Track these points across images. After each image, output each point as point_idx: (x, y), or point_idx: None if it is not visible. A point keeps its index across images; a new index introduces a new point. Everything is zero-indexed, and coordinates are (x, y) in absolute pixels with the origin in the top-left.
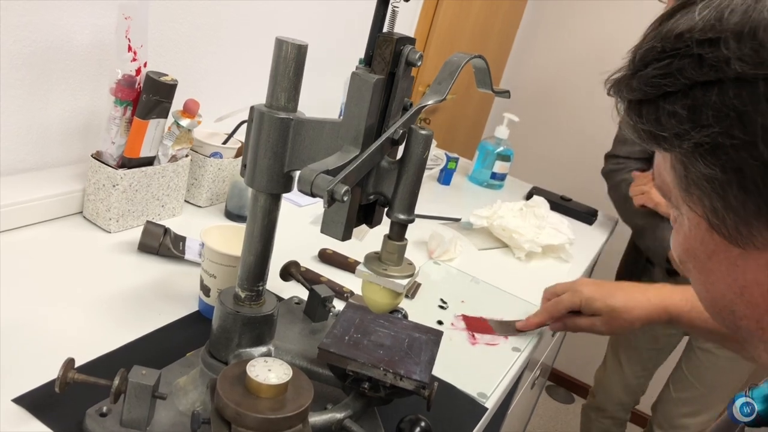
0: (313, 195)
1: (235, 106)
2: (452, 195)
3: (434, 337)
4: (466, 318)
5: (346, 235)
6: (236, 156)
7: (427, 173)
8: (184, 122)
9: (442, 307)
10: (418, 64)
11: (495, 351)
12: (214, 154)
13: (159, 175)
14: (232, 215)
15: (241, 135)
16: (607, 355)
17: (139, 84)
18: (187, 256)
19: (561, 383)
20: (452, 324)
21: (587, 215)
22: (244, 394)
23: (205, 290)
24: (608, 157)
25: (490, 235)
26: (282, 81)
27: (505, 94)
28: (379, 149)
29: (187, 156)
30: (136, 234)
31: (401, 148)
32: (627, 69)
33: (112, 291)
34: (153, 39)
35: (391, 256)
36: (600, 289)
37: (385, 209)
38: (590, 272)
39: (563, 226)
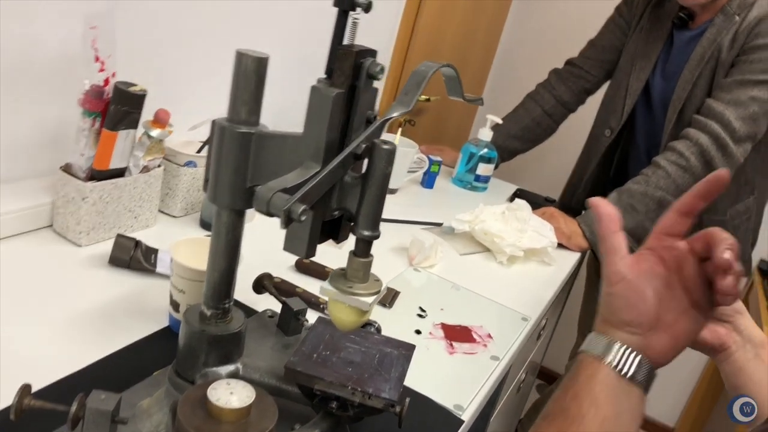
0: (270, 215)
1: (209, 113)
2: (435, 198)
3: (406, 352)
4: (444, 327)
5: (309, 252)
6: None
7: (410, 177)
8: (155, 132)
9: (420, 315)
10: (380, 77)
11: (473, 360)
12: (189, 163)
13: (130, 186)
14: (208, 225)
15: None
16: None
17: (107, 94)
18: (158, 269)
19: (551, 381)
20: (430, 333)
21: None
22: (205, 418)
23: (175, 306)
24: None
25: (472, 240)
26: (242, 94)
27: (478, 101)
28: (340, 165)
29: (159, 166)
30: (107, 247)
31: (366, 163)
32: None
33: (81, 308)
34: (122, 48)
35: (356, 273)
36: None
37: (350, 224)
38: (575, 275)
39: (545, 229)
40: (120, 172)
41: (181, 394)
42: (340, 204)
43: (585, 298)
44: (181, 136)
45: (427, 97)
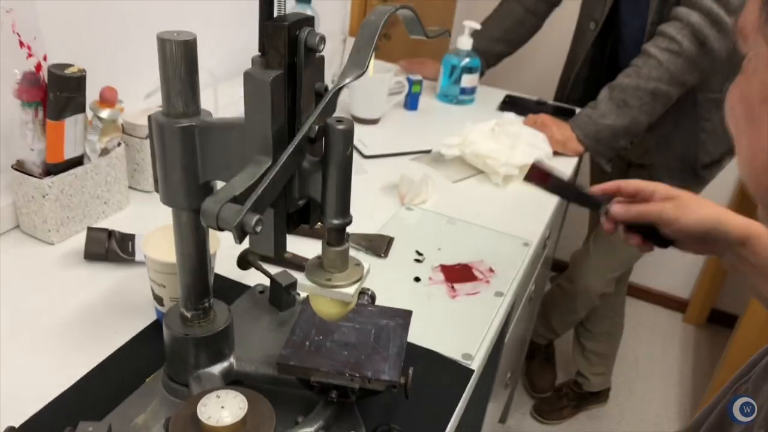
0: (221, 230)
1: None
2: (421, 121)
3: (402, 320)
4: (444, 268)
5: (279, 250)
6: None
7: (391, 103)
8: (105, 113)
9: (418, 260)
10: (320, 48)
11: (477, 301)
12: None
13: (92, 173)
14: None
15: None
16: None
17: (43, 81)
18: (138, 258)
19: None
20: (430, 278)
21: (564, 116)
22: None
23: (159, 300)
24: None
25: (464, 164)
26: (174, 85)
27: (445, 33)
28: (294, 154)
29: (119, 145)
30: (82, 240)
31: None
32: None
33: (62, 313)
34: (47, 28)
35: (333, 263)
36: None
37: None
38: (574, 178)
39: (538, 140)
40: (78, 161)
41: (177, 399)
42: (303, 193)
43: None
44: (136, 104)
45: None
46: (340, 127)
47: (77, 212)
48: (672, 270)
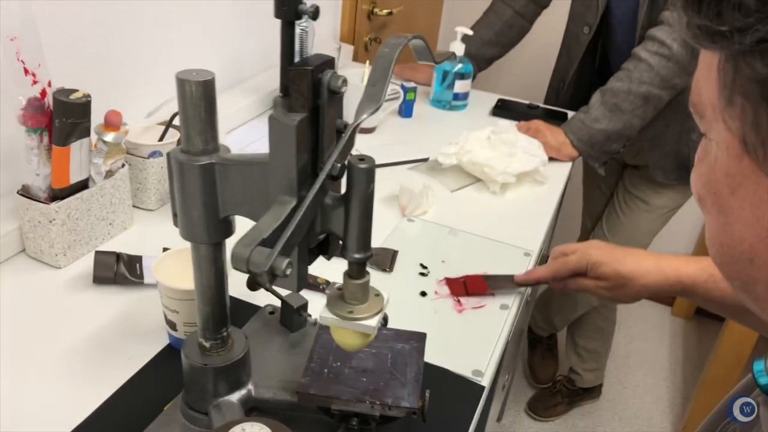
0: (250, 272)
1: (163, 94)
2: (416, 128)
3: (417, 344)
4: (449, 282)
5: (301, 285)
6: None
7: (387, 109)
8: (109, 137)
9: (423, 273)
10: (343, 90)
11: (483, 315)
12: (153, 154)
13: (97, 195)
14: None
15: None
16: None
17: (48, 107)
18: (146, 280)
19: None
20: (436, 293)
21: (556, 120)
22: None
23: (171, 325)
24: None
25: (462, 172)
26: (194, 124)
27: (451, 55)
28: (318, 193)
29: (123, 166)
30: (89, 263)
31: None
32: None
33: (72, 341)
34: (50, 54)
35: (354, 295)
36: (610, 254)
37: (339, 241)
38: (565, 185)
39: (534, 147)
40: (83, 184)
41: (197, 428)
42: (324, 228)
43: (585, 192)
44: (137, 122)
45: (390, 11)
46: (362, 166)
47: (83, 235)
48: None
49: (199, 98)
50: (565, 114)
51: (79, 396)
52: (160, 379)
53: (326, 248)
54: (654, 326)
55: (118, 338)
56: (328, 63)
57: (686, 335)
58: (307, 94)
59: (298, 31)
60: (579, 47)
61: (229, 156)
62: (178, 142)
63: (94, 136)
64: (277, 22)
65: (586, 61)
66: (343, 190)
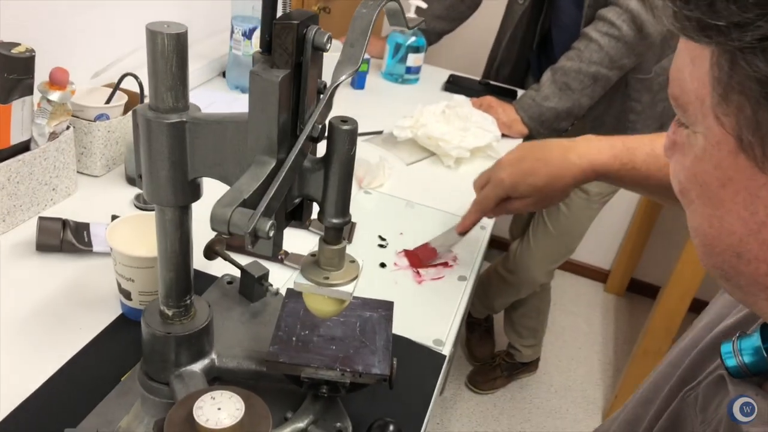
0: (231, 234)
1: (112, 55)
2: (369, 100)
3: (385, 312)
4: (407, 253)
5: (276, 250)
6: (125, 112)
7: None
8: (55, 96)
9: (381, 245)
10: (328, 47)
11: (442, 286)
12: (100, 116)
13: (40, 158)
14: (134, 180)
15: (127, 85)
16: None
17: None
18: (95, 248)
19: (498, 246)
20: (395, 264)
21: (507, 97)
22: None
23: (126, 294)
24: None
25: (417, 146)
26: (165, 79)
27: (422, 23)
28: (298, 155)
29: (68, 128)
30: (30, 230)
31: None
32: None
33: (16, 312)
34: None
35: (331, 261)
36: (520, 171)
37: (314, 204)
38: None
39: (488, 122)
40: (25, 146)
41: (157, 398)
42: (302, 191)
43: None
44: (83, 83)
45: None
46: (345, 127)
47: (24, 200)
48: (594, 243)
49: (171, 52)
50: (515, 92)
51: (27, 368)
52: (115, 350)
53: (300, 214)
54: (588, 302)
55: (67, 308)
56: (312, 18)
57: (618, 311)
58: (291, 49)
59: None
60: (512, 19)
61: (200, 114)
62: (126, 106)
63: (37, 95)
64: None
65: (526, 37)
66: (320, 153)
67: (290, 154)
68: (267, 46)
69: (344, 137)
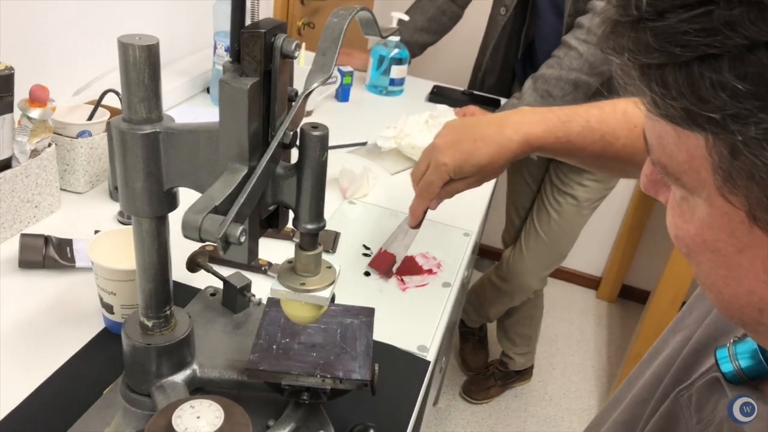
0: (202, 241)
1: (92, 72)
2: (354, 112)
3: (366, 318)
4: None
5: (252, 257)
6: (107, 129)
7: (324, 93)
8: (35, 113)
9: (366, 254)
10: (296, 55)
11: (427, 292)
12: (82, 133)
13: (22, 176)
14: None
15: (109, 102)
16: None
17: None
18: (78, 264)
19: (488, 256)
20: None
21: (490, 107)
22: None
23: (108, 308)
24: None
25: (401, 156)
26: (137, 90)
27: (396, 32)
28: (269, 161)
29: (50, 145)
30: (12, 248)
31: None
32: (623, 11)
33: (1, 328)
34: None
35: (307, 267)
36: (461, 150)
37: (290, 211)
38: None
39: None
40: (6, 164)
41: (138, 410)
42: (276, 198)
43: (510, 187)
44: (64, 101)
45: None
46: (316, 133)
47: (6, 218)
48: (585, 250)
49: (143, 63)
50: (499, 101)
51: (10, 382)
52: (97, 364)
53: (275, 221)
54: (580, 309)
55: (50, 324)
56: (280, 27)
57: (610, 317)
58: (259, 57)
59: None
60: (495, 30)
61: (173, 125)
62: (107, 123)
63: (17, 113)
64: (206, 6)
65: (509, 47)
66: (293, 160)
67: (261, 160)
68: (236, 55)
69: (315, 143)
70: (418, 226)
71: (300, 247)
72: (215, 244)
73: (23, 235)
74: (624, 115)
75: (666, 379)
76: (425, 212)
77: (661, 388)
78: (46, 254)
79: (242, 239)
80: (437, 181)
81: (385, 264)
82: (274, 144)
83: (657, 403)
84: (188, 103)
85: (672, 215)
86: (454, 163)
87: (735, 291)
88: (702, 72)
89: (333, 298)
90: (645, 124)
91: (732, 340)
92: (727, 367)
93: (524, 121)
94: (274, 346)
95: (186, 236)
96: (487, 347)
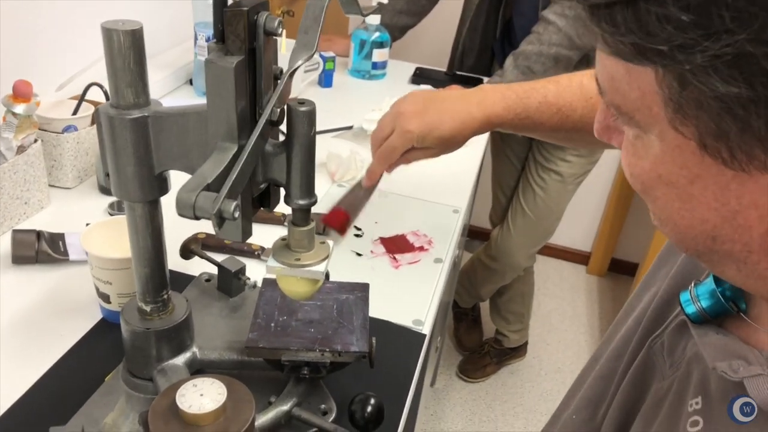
0: (197, 218)
1: (75, 66)
2: (338, 97)
3: (361, 293)
4: (384, 241)
5: (246, 235)
6: (93, 123)
7: (307, 80)
8: (19, 108)
9: (357, 235)
10: (279, 32)
11: (419, 269)
12: (68, 128)
13: (9, 172)
14: (108, 189)
15: (93, 96)
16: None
17: None
18: (72, 257)
19: (477, 236)
20: (372, 252)
21: (473, 85)
22: (182, 427)
23: (105, 297)
24: None
25: None
26: (124, 76)
27: (376, 10)
28: (258, 139)
29: (36, 141)
30: (5, 244)
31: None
32: None
33: None
34: None
35: (300, 242)
36: (426, 121)
37: (281, 189)
38: (485, 146)
39: None
40: None
41: (141, 395)
42: (267, 176)
43: (494, 165)
44: (48, 96)
45: None
46: (303, 108)
47: None
48: (573, 226)
49: (128, 48)
50: (481, 80)
51: (11, 377)
52: (97, 353)
53: (267, 200)
54: (571, 285)
55: (47, 317)
56: (263, 5)
57: (601, 291)
58: (243, 35)
59: None
60: (470, 7)
61: (161, 108)
62: (94, 117)
63: (2, 109)
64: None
65: (487, 26)
66: (282, 138)
67: (250, 138)
68: (220, 34)
69: (303, 118)
70: (372, 187)
71: (293, 223)
72: (208, 232)
73: (15, 231)
74: (580, 88)
75: (639, 331)
76: (381, 175)
77: (635, 340)
78: (39, 249)
79: (236, 214)
80: (400, 147)
81: (339, 221)
82: (262, 121)
83: (632, 355)
84: (172, 96)
85: (626, 155)
86: (420, 132)
87: (689, 221)
88: (648, 7)
89: (328, 276)
90: (597, 68)
91: (693, 283)
92: (690, 308)
93: (486, 99)
94: (272, 324)
95: (180, 214)
96: (480, 326)
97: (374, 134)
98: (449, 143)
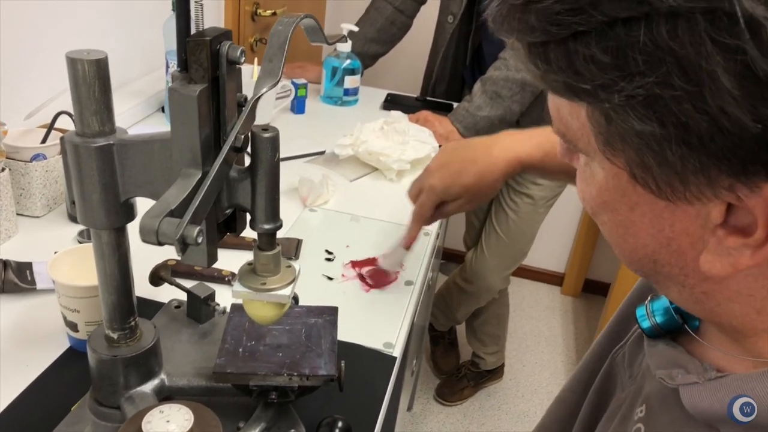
0: (160, 244)
1: (44, 94)
2: (310, 123)
3: (330, 317)
4: (355, 264)
5: (212, 260)
6: (61, 145)
7: (280, 106)
8: None
9: (328, 259)
10: (242, 60)
11: (390, 292)
12: (37, 157)
13: None
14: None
15: (62, 124)
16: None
17: None
18: (39, 286)
19: (452, 259)
20: (343, 275)
21: (444, 111)
22: None
23: (72, 326)
24: None
25: (359, 162)
26: (89, 104)
27: (342, 39)
28: (223, 165)
29: (3, 170)
30: None
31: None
32: None
33: None
34: None
35: (266, 267)
36: (449, 172)
37: (247, 214)
38: None
39: (425, 135)
40: None
41: (108, 423)
42: (232, 201)
43: None
44: (15, 125)
45: (273, 11)
46: (266, 135)
47: None
48: (547, 248)
49: (92, 77)
50: (451, 105)
51: None
52: (64, 383)
53: (233, 225)
54: (546, 306)
55: (12, 347)
56: (226, 34)
57: (575, 311)
58: (206, 64)
59: (193, 3)
60: (443, 37)
61: (126, 136)
62: (60, 139)
63: None
64: (156, 26)
65: (457, 53)
66: (247, 163)
67: (214, 164)
68: (183, 63)
69: (266, 144)
70: (410, 247)
71: (258, 247)
72: (177, 258)
73: None
74: None
75: (607, 344)
76: (418, 233)
77: (601, 352)
78: (6, 278)
79: (199, 240)
80: (428, 203)
81: (383, 282)
82: (225, 147)
83: (598, 365)
84: (144, 123)
85: (579, 180)
86: (443, 185)
87: (633, 245)
88: (576, 47)
89: (297, 300)
90: (548, 98)
91: (649, 298)
92: (645, 323)
93: (513, 140)
94: (240, 349)
95: (144, 240)
96: (457, 349)
97: (409, 192)
98: (476, 191)
